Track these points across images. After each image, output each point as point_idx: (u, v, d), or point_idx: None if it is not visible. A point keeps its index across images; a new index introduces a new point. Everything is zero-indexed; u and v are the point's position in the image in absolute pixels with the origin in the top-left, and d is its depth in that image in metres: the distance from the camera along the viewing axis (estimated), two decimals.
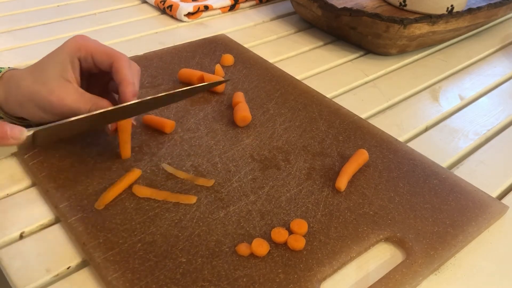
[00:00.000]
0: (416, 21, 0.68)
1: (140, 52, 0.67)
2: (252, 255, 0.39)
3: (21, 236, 0.41)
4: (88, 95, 0.44)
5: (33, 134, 0.39)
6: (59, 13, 0.79)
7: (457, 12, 0.72)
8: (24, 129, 0.38)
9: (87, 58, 0.45)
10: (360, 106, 0.61)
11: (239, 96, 0.57)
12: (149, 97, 0.44)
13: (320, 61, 0.71)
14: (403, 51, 0.74)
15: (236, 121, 0.53)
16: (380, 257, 0.41)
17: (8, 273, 0.37)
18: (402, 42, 0.70)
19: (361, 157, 0.48)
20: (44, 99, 0.42)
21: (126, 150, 0.47)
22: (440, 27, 0.71)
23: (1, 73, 0.45)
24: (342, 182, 0.45)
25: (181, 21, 0.80)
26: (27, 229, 0.41)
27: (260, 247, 0.39)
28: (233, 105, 0.56)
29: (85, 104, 0.43)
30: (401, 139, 0.55)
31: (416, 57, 0.75)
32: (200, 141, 0.51)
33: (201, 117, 0.54)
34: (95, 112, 0.41)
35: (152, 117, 0.52)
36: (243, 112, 0.53)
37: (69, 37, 0.45)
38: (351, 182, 0.47)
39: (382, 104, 0.62)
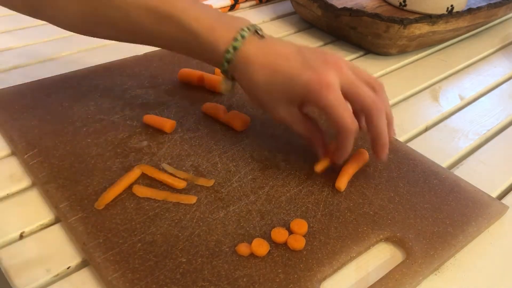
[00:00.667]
0: (416, 21, 0.68)
1: (140, 52, 0.67)
2: (252, 255, 0.39)
3: (21, 236, 0.41)
4: (308, 123, 0.46)
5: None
6: None
7: (457, 12, 0.72)
8: None
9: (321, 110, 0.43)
10: None
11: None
12: None
13: None
14: (403, 51, 0.74)
15: (236, 128, 0.52)
16: (380, 257, 0.41)
17: (8, 273, 0.37)
18: (402, 42, 0.70)
19: (361, 157, 0.48)
20: (268, 111, 0.46)
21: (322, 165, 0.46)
22: (440, 27, 0.71)
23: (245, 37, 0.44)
24: (342, 182, 0.45)
25: None
26: (27, 229, 0.41)
27: (260, 247, 0.39)
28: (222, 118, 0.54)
29: (300, 128, 0.46)
30: (401, 139, 0.55)
31: (416, 57, 0.75)
32: (200, 141, 0.51)
33: (201, 117, 0.54)
34: None
35: (152, 116, 0.52)
36: (241, 116, 0.53)
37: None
38: (351, 182, 0.47)
39: None
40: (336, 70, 0.42)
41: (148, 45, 0.48)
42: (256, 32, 0.45)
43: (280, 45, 0.44)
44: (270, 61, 0.43)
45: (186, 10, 0.44)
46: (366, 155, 0.49)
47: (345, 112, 0.41)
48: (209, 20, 0.44)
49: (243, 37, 0.43)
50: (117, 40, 0.49)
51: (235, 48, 0.43)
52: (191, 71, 0.60)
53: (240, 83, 0.46)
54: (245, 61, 0.44)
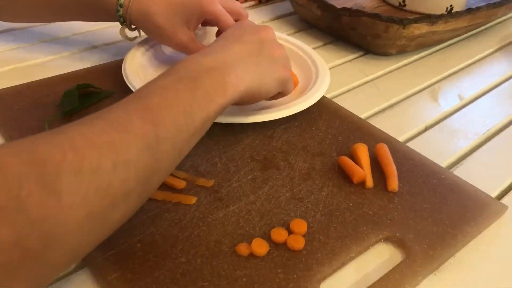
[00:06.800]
0: (415, 21, 0.68)
1: None
2: (252, 255, 0.39)
3: None
4: (199, 44, 0.58)
5: None
6: None
7: (457, 12, 0.72)
8: None
9: (212, 20, 0.58)
10: (359, 106, 0.60)
11: None
12: None
13: None
14: (402, 51, 0.73)
15: None
16: (379, 257, 0.41)
17: None
18: (401, 42, 0.70)
19: (386, 149, 0.49)
20: (168, 37, 0.57)
21: None
22: (439, 27, 0.71)
23: None
24: (395, 183, 0.46)
25: None
26: None
27: (260, 247, 0.39)
28: None
29: (193, 49, 0.57)
30: (401, 139, 0.55)
31: (415, 57, 0.75)
32: (200, 141, 0.51)
33: None
34: None
35: None
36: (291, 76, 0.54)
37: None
38: (350, 182, 0.47)
39: (382, 104, 0.62)
40: None
41: (60, 17, 0.62)
42: None
43: None
44: None
45: None
46: (385, 147, 0.50)
47: (227, 16, 0.57)
48: None
49: None
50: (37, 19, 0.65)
51: None
52: None
53: (140, 24, 0.58)
54: (139, 2, 0.55)
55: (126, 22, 0.58)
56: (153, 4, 0.55)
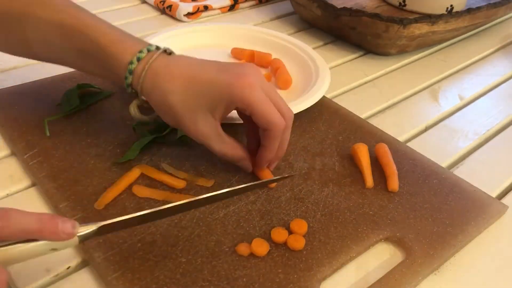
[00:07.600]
0: (416, 21, 0.68)
1: None
2: (252, 255, 0.39)
3: None
4: (227, 139, 0.44)
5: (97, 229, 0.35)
6: None
7: (457, 12, 0.72)
8: (76, 223, 0.33)
9: (245, 110, 0.41)
10: (359, 106, 0.61)
11: (279, 62, 0.64)
12: (222, 191, 0.39)
13: None
14: (402, 51, 0.74)
15: (279, 85, 0.61)
16: (379, 257, 0.41)
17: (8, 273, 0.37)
18: (401, 42, 0.70)
19: (386, 149, 0.50)
20: (185, 126, 0.42)
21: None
22: (439, 27, 0.71)
23: (154, 58, 0.42)
24: (396, 183, 0.46)
25: (180, 21, 0.80)
26: None
27: (260, 247, 0.39)
28: (273, 71, 0.64)
29: (221, 147, 0.44)
30: (401, 139, 0.55)
31: (415, 57, 0.75)
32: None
33: None
34: (161, 208, 0.37)
35: None
36: (284, 75, 0.61)
37: None
38: (350, 182, 0.46)
39: (382, 104, 0.62)
40: (254, 75, 0.41)
41: (61, 63, 0.48)
42: (165, 51, 0.44)
43: (191, 58, 0.44)
44: (183, 71, 0.41)
45: (94, 26, 0.43)
46: (385, 147, 0.50)
47: (271, 108, 0.41)
48: (116, 35, 0.43)
49: (149, 50, 0.42)
50: (35, 59, 0.50)
51: (138, 59, 0.42)
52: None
53: (150, 99, 0.43)
54: (155, 73, 0.42)
55: (137, 93, 0.44)
56: (170, 79, 0.41)
